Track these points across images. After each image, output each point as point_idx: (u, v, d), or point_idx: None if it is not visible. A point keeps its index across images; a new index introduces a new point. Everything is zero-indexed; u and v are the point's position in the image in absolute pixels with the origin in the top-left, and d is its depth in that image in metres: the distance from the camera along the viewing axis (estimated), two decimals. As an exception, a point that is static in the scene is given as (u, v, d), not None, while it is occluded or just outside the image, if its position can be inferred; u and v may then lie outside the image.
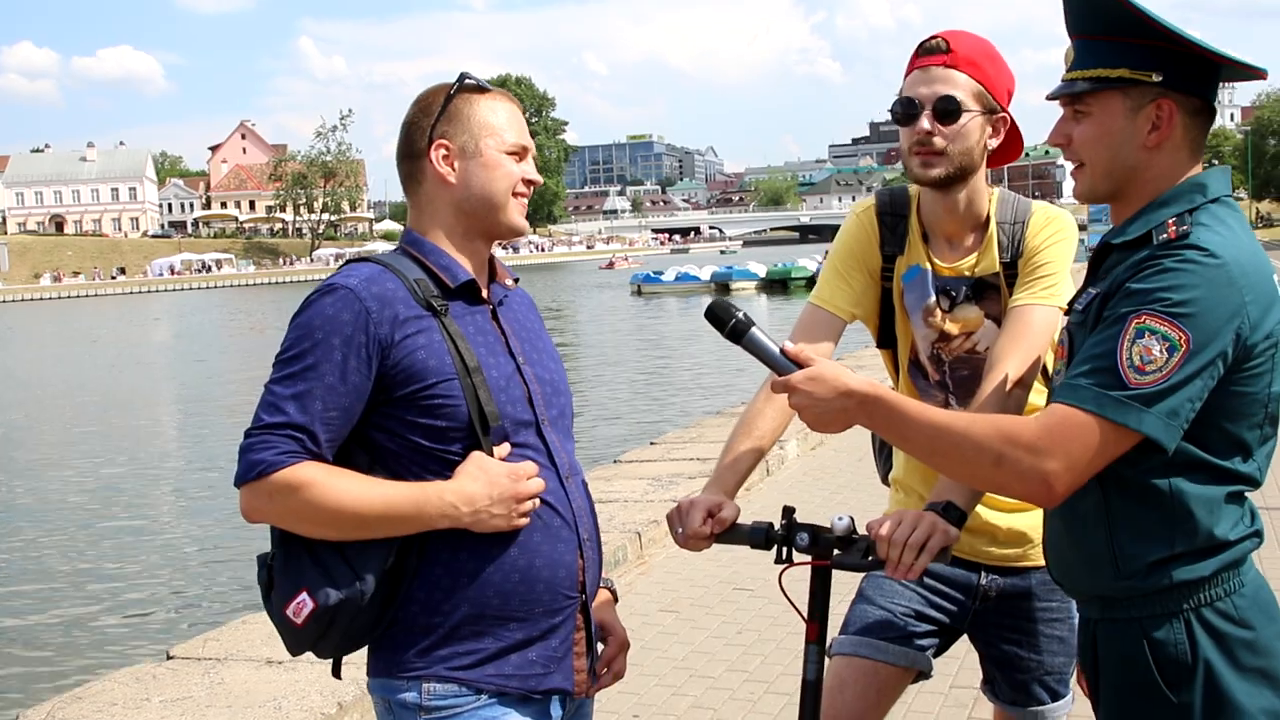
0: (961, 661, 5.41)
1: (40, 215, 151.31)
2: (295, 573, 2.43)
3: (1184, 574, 2.28)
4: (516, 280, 2.79)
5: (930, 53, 2.99)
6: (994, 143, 3.03)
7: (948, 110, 2.95)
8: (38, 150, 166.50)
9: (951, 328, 3.15)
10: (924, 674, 3.20)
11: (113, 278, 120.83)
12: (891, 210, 3.21)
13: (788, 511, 2.70)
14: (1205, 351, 2.15)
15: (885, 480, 3.51)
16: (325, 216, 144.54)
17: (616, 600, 2.85)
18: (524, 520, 2.47)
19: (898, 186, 3.27)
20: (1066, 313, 2.51)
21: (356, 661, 2.61)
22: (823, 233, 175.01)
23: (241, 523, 2.50)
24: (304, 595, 2.40)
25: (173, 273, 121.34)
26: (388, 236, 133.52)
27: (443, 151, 2.56)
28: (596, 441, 18.60)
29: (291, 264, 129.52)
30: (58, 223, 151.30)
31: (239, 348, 43.38)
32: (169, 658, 6.40)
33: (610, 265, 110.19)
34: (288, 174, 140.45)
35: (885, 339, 3.29)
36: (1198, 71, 2.31)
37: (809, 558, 2.67)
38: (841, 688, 3.08)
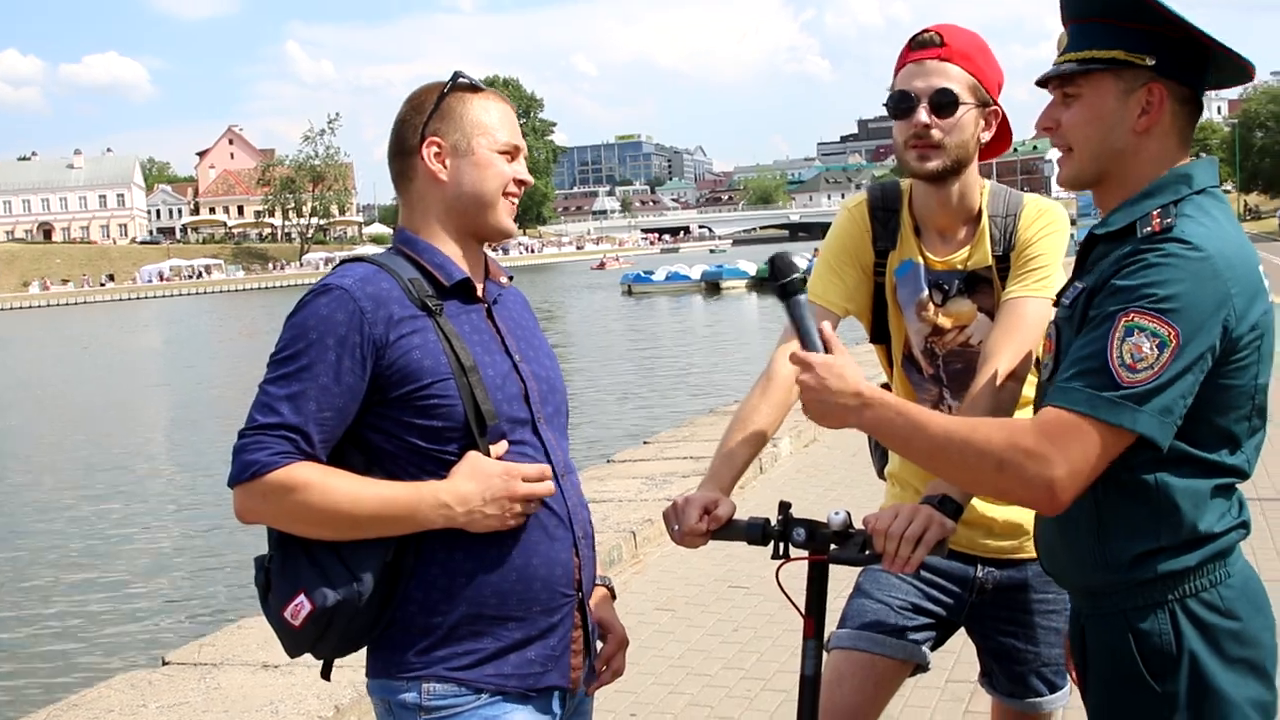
0: (958, 655, 5.42)
1: (28, 223, 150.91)
2: (292, 574, 2.43)
3: (1169, 566, 2.28)
4: (511, 278, 2.79)
5: (924, 46, 3.00)
6: (986, 136, 3.04)
7: (945, 103, 2.95)
8: (24, 158, 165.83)
9: (944, 321, 3.16)
10: (922, 667, 3.21)
11: (102, 285, 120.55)
12: (884, 205, 3.22)
13: (784, 507, 2.70)
14: (1194, 346, 2.15)
15: (881, 474, 3.52)
16: (314, 221, 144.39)
17: (614, 598, 2.85)
18: (519, 519, 2.47)
19: (889, 181, 3.27)
20: (1056, 304, 2.52)
21: (350, 664, 2.61)
22: (812, 231, 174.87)
23: (235, 527, 2.51)
24: (301, 597, 2.40)
25: (162, 279, 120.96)
26: (377, 240, 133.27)
27: (435, 149, 2.56)
28: (589, 441, 18.59)
29: (282, 269, 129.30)
30: (46, 230, 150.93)
31: (229, 353, 43.30)
32: (165, 664, 6.39)
33: (601, 266, 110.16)
34: (276, 178, 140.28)
35: (878, 334, 3.30)
36: (1190, 59, 2.32)
37: (806, 553, 2.67)
38: (839, 681, 3.08)
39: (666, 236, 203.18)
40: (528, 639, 2.51)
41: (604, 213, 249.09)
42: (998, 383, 2.83)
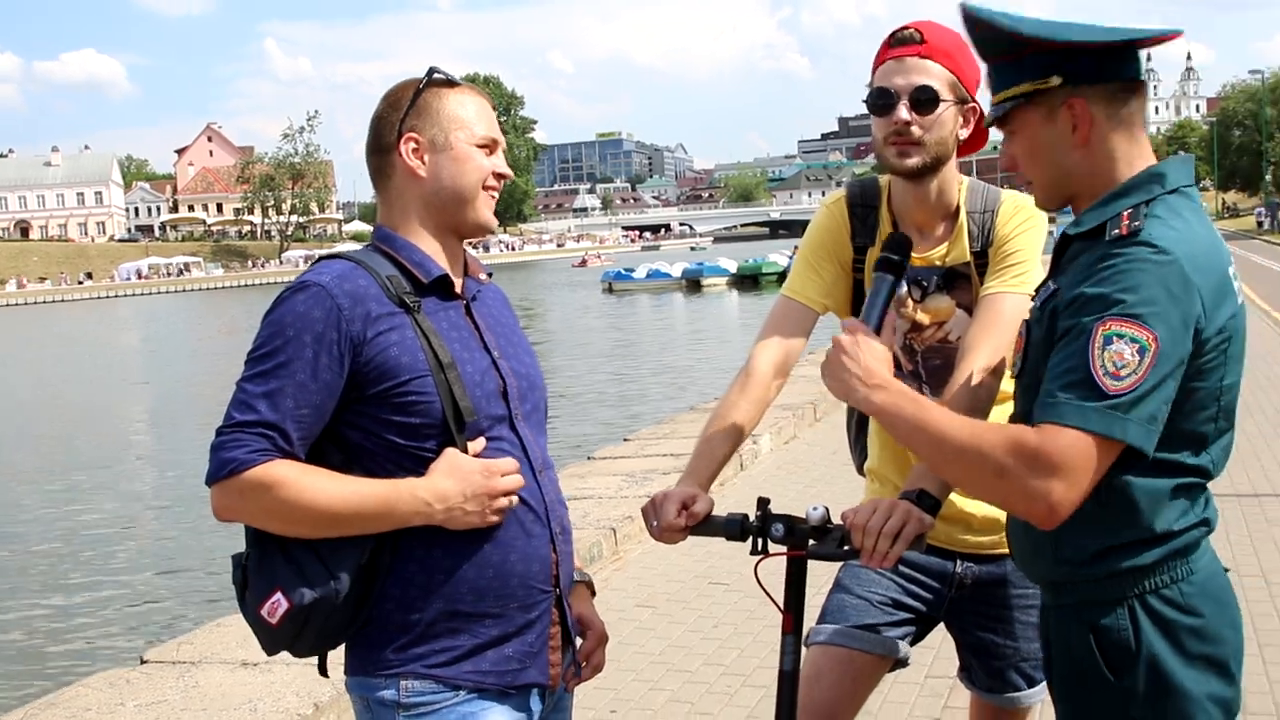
0: (937, 651, 5.44)
1: (4, 221, 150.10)
2: (269, 572, 2.42)
3: (1126, 563, 2.29)
4: (490, 275, 2.79)
5: (904, 43, 3.00)
6: (964, 133, 3.05)
7: (925, 100, 2.96)
8: (1, 155, 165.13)
9: (923, 318, 3.17)
10: (901, 662, 3.22)
11: (79, 283, 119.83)
12: (862, 201, 3.23)
13: (762, 503, 2.70)
14: (1173, 350, 2.14)
15: (861, 470, 3.53)
16: (294, 218, 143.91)
17: (593, 594, 2.85)
18: (498, 516, 2.47)
19: (868, 178, 3.28)
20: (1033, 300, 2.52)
21: (335, 661, 2.61)
22: (793, 228, 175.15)
23: (214, 525, 2.50)
24: (279, 595, 2.40)
25: (140, 277, 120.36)
26: (357, 238, 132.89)
27: (412, 145, 2.55)
28: (570, 438, 18.58)
29: (263, 266, 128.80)
30: (23, 228, 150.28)
31: (208, 350, 43.14)
32: (143, 662, 6.35)
33: (583, 263, 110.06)
34: (255, 176, 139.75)
35: None
36: (1096, 60, 2.31)
37: (784, 548, 2.68)
38: (818, 677, 3.09)
39: (647, 234, 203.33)
40: (505, 635, 2.51)
41: (585, 210, 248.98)
42: (976, 379, 2.83)
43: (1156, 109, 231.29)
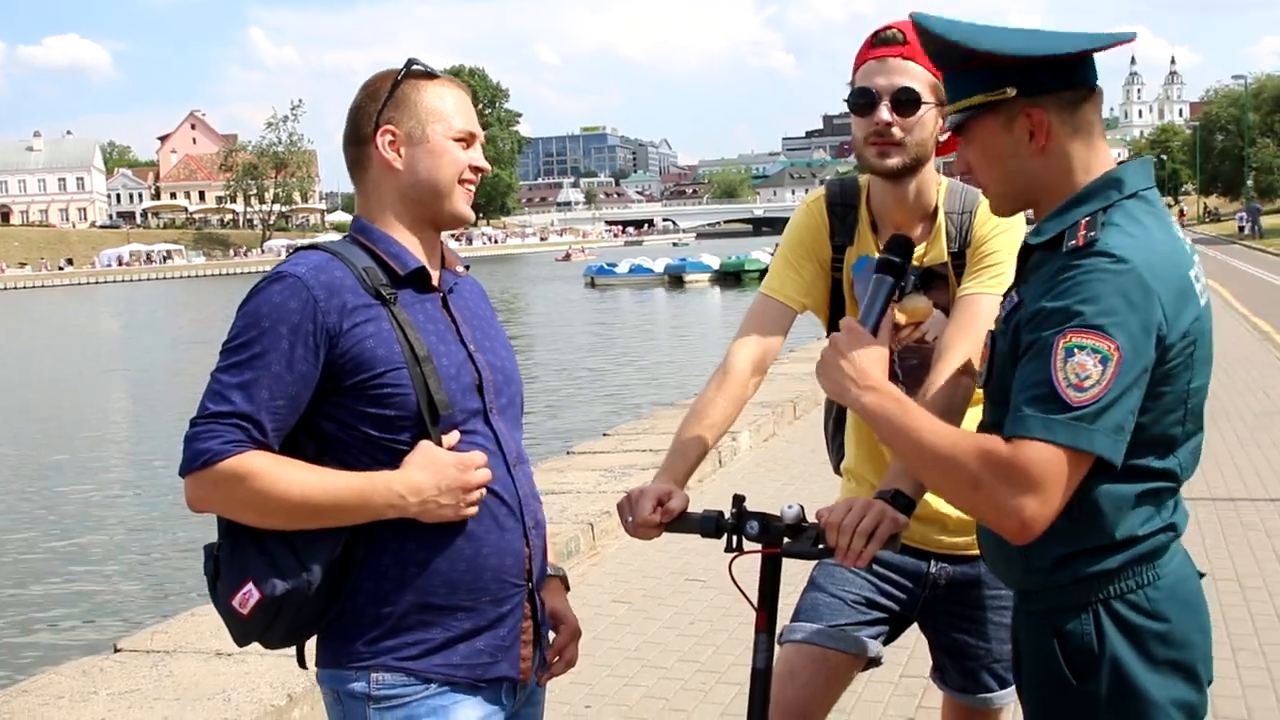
0: (912, 650, 5.45)
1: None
2: (241, 563, 2.42)
3: (1091, 568, 2.29)
4: (468, 267, 2.78)
5: (887, 43, 3.00)
6: (944, 135, 3.05)
7: (906, 101, 2.96)
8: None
9: (900, 318, 3.17)
10: (874, 661, 3.22)
11: (60, 268, 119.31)
12: (841, 201, 3.23)
13: (738, 500, 2.71)
14: (1136, 359, 2.14)
15: (837, 470, 3.53)
16: (276, 207, 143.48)
17: (568, 589, 2.85)
18: (472, 510, 2.46)
19: (848, 177, 3.28)
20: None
21: (311, 653, 2.60)
22: (776, 225, 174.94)
23: (191, 514, 2.48)
24: (250, 585, 2.39)
25: (121, 264, 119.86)
26: (340, 228, 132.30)
27: (389, 137, 2.54)
28: (549, 433, 18.58)
29: (246, 254, 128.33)
30: (3, 213, 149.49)
31: (188, 338, 42.98)
32: (116, 650, 6.33)
33: (566, 257, 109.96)
34: (238, 164, 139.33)
35: (835, 329, 3.30)
36: (1048, 71, 2.31)
37: (759, 546, 2.68)
38: (792, 675, 3.09)
39: (630, 229, 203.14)
40: (477, 629, 2.51)
41: (568, 204, 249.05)
42: (953, 379, 2.84)
43: (1140, 112, 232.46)
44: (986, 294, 2.97)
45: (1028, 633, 2.43)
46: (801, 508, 2.65)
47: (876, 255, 3.13)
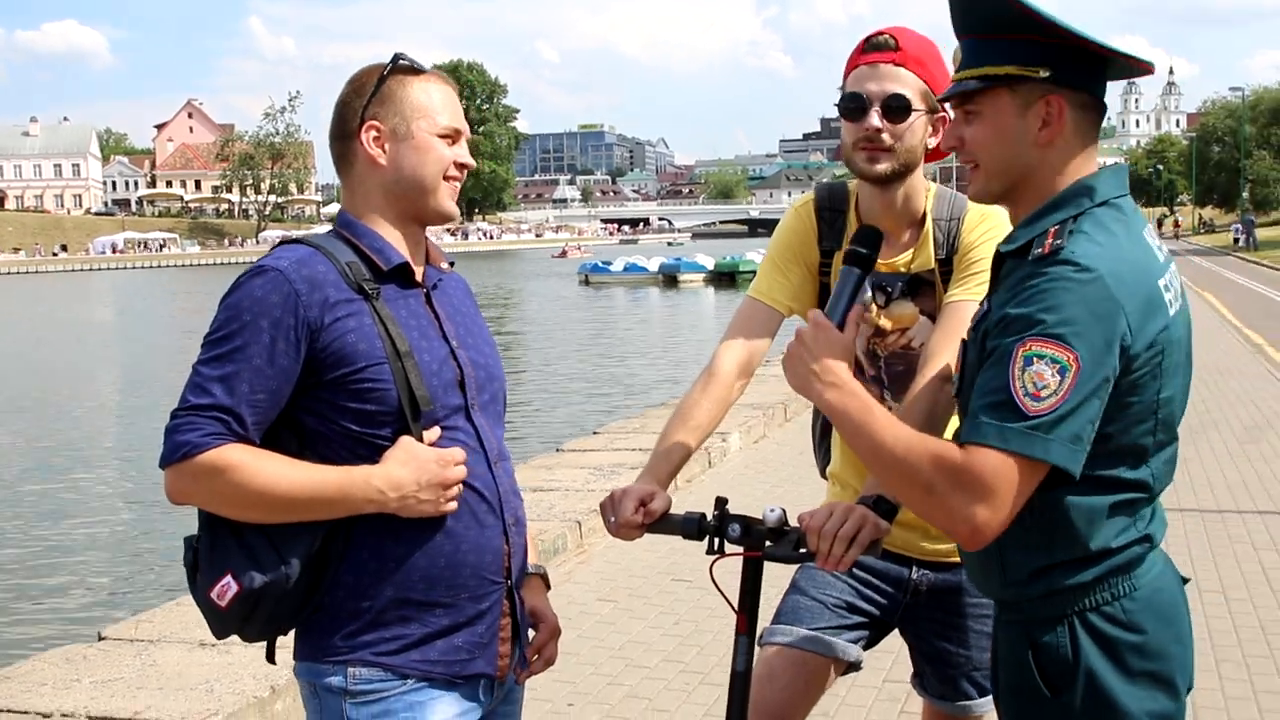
0: (895, 656, 5.45)
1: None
2: (221, 555, 2.42)
3: (1065, 580, 2.29)
4: (452, 264, 2.78)
5: (878, 49, 3.00)
6: (933, 141, 3.06)
7: (897, 107, 2.96)
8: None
9: (887, 324, 3.17)
10: (854, 666, 3.22)
11: (54, 254, 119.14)
12: (830, 205, 3.23)
13: (720, 502, 2.71)
14: (1095, 370, 2.13)
15: (824, 474, 3.53)
16: (272, 198, 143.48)
17: (548, 587, 2.85)
18: (452, 506, 2.46)
19: (837, 182, 3.28)
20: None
21: (289, 645, 2.60)
22: (771, 227, 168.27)
23: (178, 506, 2.48)
24: (229, 578, 2.39)
25: (115, 251, 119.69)
26: (335, 220, 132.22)
27: (373, 133, 2.54)
28: (540, 430, 18.57)
29: (242, 245, 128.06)
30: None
31: (179, 327, 42.89)
32: (101, 638, 6.32)
33: (563, 254, 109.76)
34: (235, 154, 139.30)
35: None
36: (1085, 66, 2.30)
37: (740, 549, 2.68)
38: (771, 678, 3.09)
39: (626, 228, 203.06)
40: (455, 625, 2.51)
41: (564, 201, 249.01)
42: (937, 385, 2.84)
43: (1138, 121, 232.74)
44: (972, 301, 2.96)
45: (1004, 643, 2.43)
46: (784, 511, 2.65)
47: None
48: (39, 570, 12.36)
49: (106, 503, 15.60)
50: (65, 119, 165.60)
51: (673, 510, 2.79)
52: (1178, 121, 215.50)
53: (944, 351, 2.91)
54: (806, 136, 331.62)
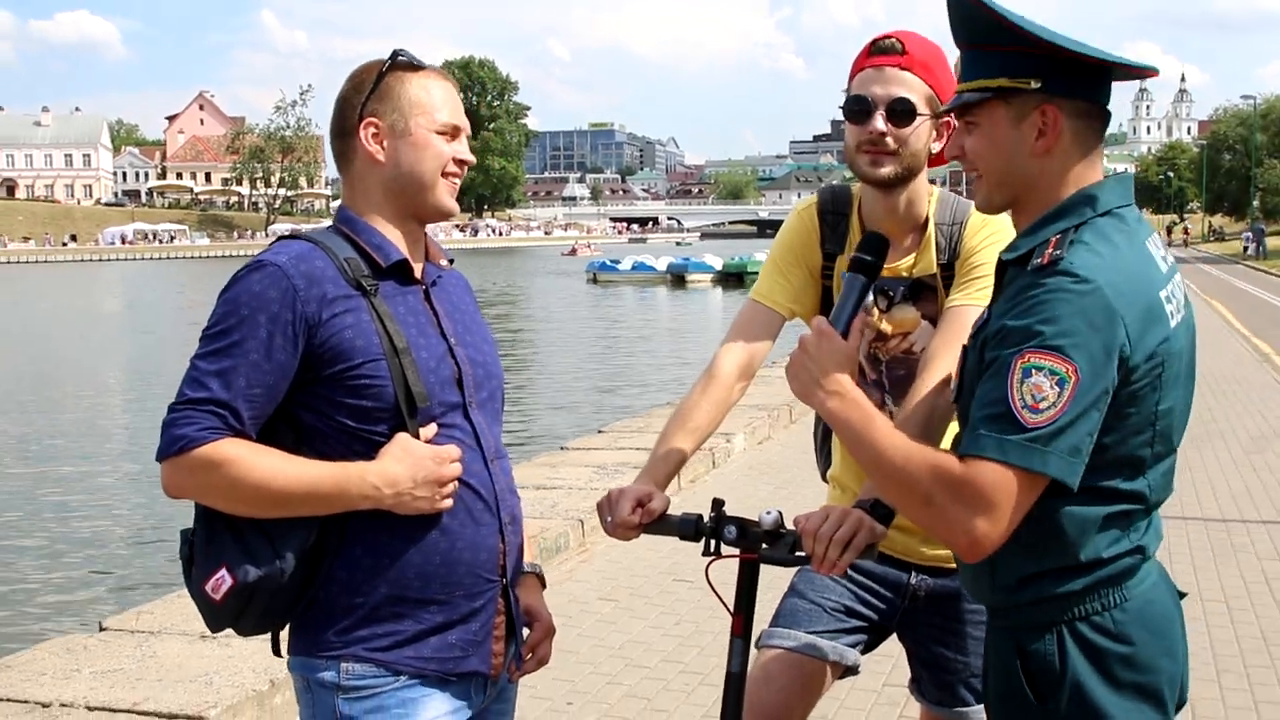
0: (895, 660, 5.44)
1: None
2: (216, 549, 2.42)
3: (1055, 589, 2.28)
4: (452, 261, 2.78)
5: (885, 52, 3.00)
6: (936, 146, 3.05)
7: (902, 112, 2.96)
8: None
9: (888, 328, 3.17)
10: (852, 670, 3.21)
11: (64, 244, 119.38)
12: (833, 209, 3.23)
13: (717, 504, 2.70)
14: (1094, 382, 2.12)
15: (825, 477, 3.53)
16: (282, 192, 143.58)
17: (544, 586, 2.85)
18: (447, 503, 2.47)
19: (840, 185, 3.28)
20: None
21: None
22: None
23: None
24: (223, 571, 2.39)
25: (125, 242, 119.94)
26: (335, 216, 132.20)
27: (372, 130, 2.54)
28: (545, 428, 18.58)
29: (252, 237, 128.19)
30: (9, 186, 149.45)
31: (186, 319, 42.94)
32: (102, 629, 6.33)
33: (573, 252, 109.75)
34: (245, 147, 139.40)
35: None
36: (1079, 75, 2.29)
37: (736, 551, 2.68)
38: (768, 680, 3.09)
39: (635, 226, 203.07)
40: (449, 623, 2.51)
41: (574, 199, 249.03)
42: (937, 390, 2.83)
43: (1149, 128, 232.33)
44: (974, 306, 2.94)
45: (994, 649, 2.43)
46: (780, 514, 2.65)
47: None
48: (42, 560, 12.39)
49: (112, 494, 15.62)
50: (77, 109, 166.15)
51: (672, 511, 2.79)
52: (1189, 129, 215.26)
53: (944, 356, 2.90)
54: (817, 138, 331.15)
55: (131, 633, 6.18)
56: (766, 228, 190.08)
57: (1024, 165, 2.33)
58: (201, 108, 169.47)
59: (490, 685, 2.63)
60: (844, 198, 3.23)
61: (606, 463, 10.84)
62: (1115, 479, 2.25)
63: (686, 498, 9.43)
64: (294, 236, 2.54)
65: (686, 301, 54.23)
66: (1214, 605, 6.95)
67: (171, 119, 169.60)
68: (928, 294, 3.13)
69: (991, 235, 3.06)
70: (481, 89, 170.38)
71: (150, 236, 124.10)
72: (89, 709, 5.15)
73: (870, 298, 3.14)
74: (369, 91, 2.54)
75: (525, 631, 2.73)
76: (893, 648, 3.52)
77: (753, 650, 2.86)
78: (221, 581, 2.39)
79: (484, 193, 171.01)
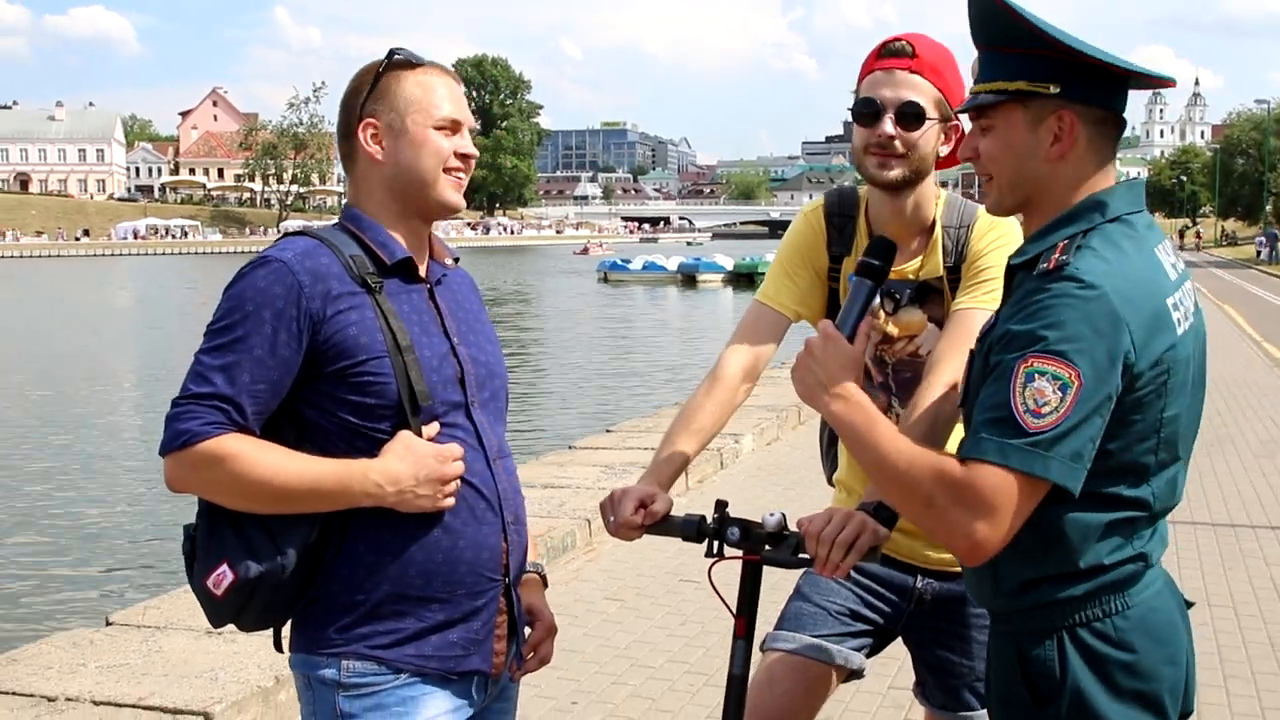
0: (900, 663, 5.42)
1: (5, 173, 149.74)
2: (218, 544, 2.42)
3: (1056, 594, 2.28)
4: (457, 260, 2.78)
5: (895, 55, 2.99)
6: (945, 150, 3.04)
7: (911, 115, 2.95)
8: (5, 107, 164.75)
9: (894, 331, 3.16)
10: (856, 673, 3.20)
11: (76, 239, 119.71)
12: (840, 211, 3.22)
13: (720, 505, 2.70)
14: (1097, 387, 2.11)
15: (831, 480, 3.52)
16: (294, 188, 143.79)
17: (546, 585, 2.84)
18: (449, 502, 2.47)
19: (847, 188, 3.27)
20: None
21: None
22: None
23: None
24: (224, 567, 2.40)
25: (137, 237, 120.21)
26: (341, 213, 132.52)
27: (371, 130, 2.54)
28: (553, 427, 18.58)
29: (265, 233, 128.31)
30: (23, 181, 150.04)
31: (197, 315, 43.00)
32: (108, 624, 6.34)
33: (585, 251, 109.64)
34: (258, 143, 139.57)
35: None
36: (1098, 82, 2.28)
37: (739, 552, 2.68)
38: (771, 683, 3.08)
39: (646, 226, 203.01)
40: (450, 621, 2.51)
41: (585, 198, 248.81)
42: (941, 394, 2.83)
43: (1162, 132, 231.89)
44: (980, 309, 2.94)
45: (995, 653, 2.43)
46: (784, 515, 2.64)
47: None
48: (49, 554, 12.42)
49: (120, 488, 15.65)
50: (91, 104, 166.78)
51: (678, 511, 2.79)
52: (1202, 133, 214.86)
53: (949, 359, 2.89)
54: (829, 139, 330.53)
55: (137, 628, 6.18)
56: (778, 228, 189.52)
57: (1037, 170, 2.32)
58: (215, 104, 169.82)
59: (491, 684, 2.63)
60: (851, 200, 3.22)
61: (614, 462, 10.83)
62: (1119, 485, 2.24)
63: (694, 498, 9.42)
64: (300, 233, 2.55)
65: (697, 301, 54.20)
66: (1222, 611, 6.92)
67: (185, 115, 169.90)
68: (934, 297, 3.13)
69: (998, 239, 3.05)
70: (494, 87, 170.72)
71: (163, 232, 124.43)
72: (94, 703, 5.15)
73: (876, 300, 3.14)
74: (367, 92, 2.55)
75: (527, 631, 2.73)
76: (898, 651, 3.51)
77: (757, 653, 2.86)
78: (223, 577, 2.39)
79: (496, 191, 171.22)
